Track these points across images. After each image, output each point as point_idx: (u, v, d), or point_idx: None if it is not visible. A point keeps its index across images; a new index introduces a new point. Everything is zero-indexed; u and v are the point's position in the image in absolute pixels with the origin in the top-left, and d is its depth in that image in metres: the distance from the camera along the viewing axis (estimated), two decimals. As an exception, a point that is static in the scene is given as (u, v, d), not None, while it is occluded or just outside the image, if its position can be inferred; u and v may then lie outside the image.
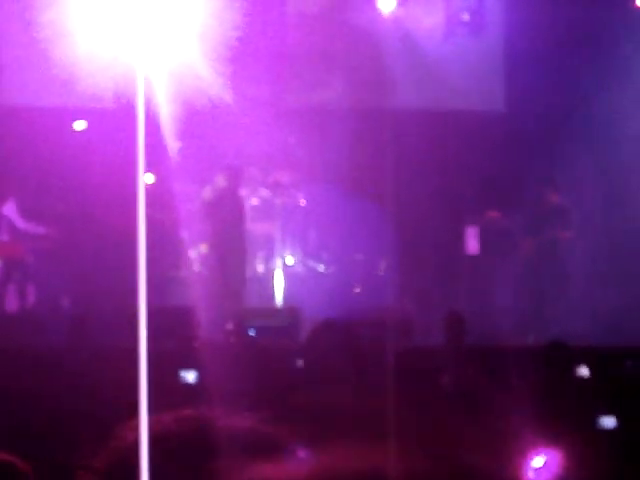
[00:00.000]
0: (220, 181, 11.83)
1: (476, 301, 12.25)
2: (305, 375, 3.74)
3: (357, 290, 12.48)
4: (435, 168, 12.79)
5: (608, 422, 4.69)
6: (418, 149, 12.60)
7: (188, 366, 7.77)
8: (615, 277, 12.29)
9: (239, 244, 11.68)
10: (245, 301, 11.60)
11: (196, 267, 12.27)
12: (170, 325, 9.36)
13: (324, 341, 3.58)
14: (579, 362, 6.89)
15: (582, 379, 6.43)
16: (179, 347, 8.62)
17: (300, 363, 6.49)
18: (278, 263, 12.62)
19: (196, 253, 12.22)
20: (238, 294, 11.39)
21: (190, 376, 7.52)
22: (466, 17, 13.52)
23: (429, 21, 13.25)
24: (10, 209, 12.09)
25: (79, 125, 12.29)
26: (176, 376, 7.54)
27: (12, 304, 11.89)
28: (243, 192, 12.27)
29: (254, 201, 12.71)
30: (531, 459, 3.50)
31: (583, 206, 12.50)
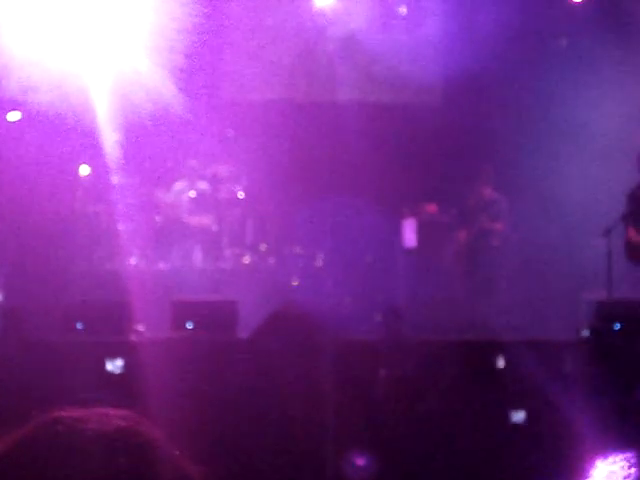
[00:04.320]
0: None
1: (413, 294, 12.33)
2: (247, 368, 3.75)
3: (295, 283, 12.49)
4: (372, 161, 12.83)
5: (518, 417, 4.73)
6: (356, 142, 12.64)
7: (118, 357, 7.70)
8: (539, 273, 12.42)
9: None
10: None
11: (132, 260, 12.21)
12: (106, 318, 9.31)
13: (272, 335, 3.59)
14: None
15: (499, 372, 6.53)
16: (110, 340, 8.54)
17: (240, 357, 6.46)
18: (216, 256, 12.59)
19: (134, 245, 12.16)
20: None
21: (117, 366, 7.45)
22: (403, 10, 13.58)
23: (366, 15, 13.29)
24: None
25: (13, 116, 12.14)
26: (105, 367, 7.47)
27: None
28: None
29: (192, 194, 12.67)
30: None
31: (518, 201, 12.61)
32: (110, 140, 11.26)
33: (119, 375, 7.12)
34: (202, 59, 12.13)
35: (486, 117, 12.93)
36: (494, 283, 12.30)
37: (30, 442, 1.34)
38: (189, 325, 9.53)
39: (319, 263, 12.76)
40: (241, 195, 12.86)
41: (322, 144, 12.81)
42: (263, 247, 12.83)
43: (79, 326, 9.38)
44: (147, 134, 11.72)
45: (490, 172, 12.43)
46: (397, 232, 12.80)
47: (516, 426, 4.51)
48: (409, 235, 12.79)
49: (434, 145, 12.94)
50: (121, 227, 11.99)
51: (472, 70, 12.61)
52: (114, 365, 7.45)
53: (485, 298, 12.03)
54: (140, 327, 9.41)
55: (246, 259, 12.68)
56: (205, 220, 12.65)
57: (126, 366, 7.25)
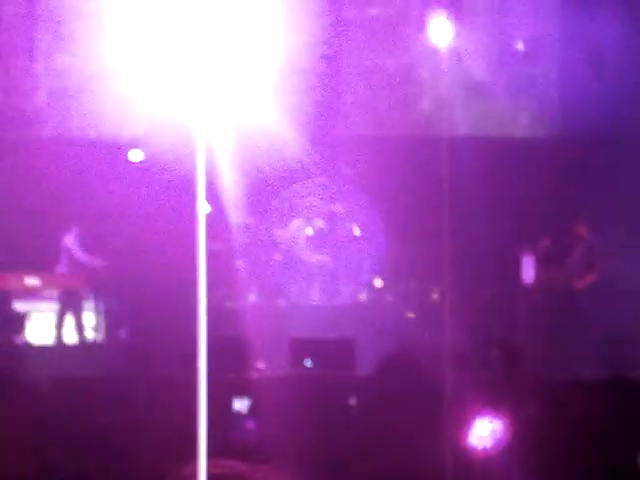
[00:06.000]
0: None
1: (534, 330, 12.17)
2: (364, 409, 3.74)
3: (411, 315, 12.45)
4: (490, 195, 12.74)
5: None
6: (472, 177, 12.57)
7: (242, 395, 7.73)
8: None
9: None
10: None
11: (251, 297, 12.32)
12: (226, 355, 9.39)
13: (389, 374, 3.57)
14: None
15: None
16: (234, 378, 8.60)
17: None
18: (333, 293, 12.62)
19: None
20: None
21: (243, 405, 7.49)
22: (521, 46, 13.51)
23: (484, 51, 13.26)
24: (70, 241, 12.17)
25: (136, 155, 12.39)
26: (230, 406, 7.52)
27: (70, 335, 11.96)
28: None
29: (309, 231, 12.75)
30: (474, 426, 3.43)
31: (624, 236, 12.34)
32: (228, 179, 11.41)
33: (244, 414, 7.17)
34: (319, 98, 12.24)
35: (602, 152, 12.74)
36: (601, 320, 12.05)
37: None
38: (307, 363, 9.56)
39: (435, 298, 12.69)
40: (357, 232, 12.89)
41: (438, 180, 12.76)
42: (379, 283, 12.82)
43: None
44: (264, 173, 11.85)
45: (587, 215, 12.25)
46: (517, 267, 12.67)
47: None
48: (529, 270, 12.65)
49: (549, 180, 12.79)
50: (240, 265, 12.11)
51: (589, 103, 12.45)
52: (240, 403, 7.50)
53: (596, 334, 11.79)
54: (260, 365, 9.47)
55: (363, 296, 12.69)
56: (322, 257, 12.71)
57: (249, 404, 7.29)
